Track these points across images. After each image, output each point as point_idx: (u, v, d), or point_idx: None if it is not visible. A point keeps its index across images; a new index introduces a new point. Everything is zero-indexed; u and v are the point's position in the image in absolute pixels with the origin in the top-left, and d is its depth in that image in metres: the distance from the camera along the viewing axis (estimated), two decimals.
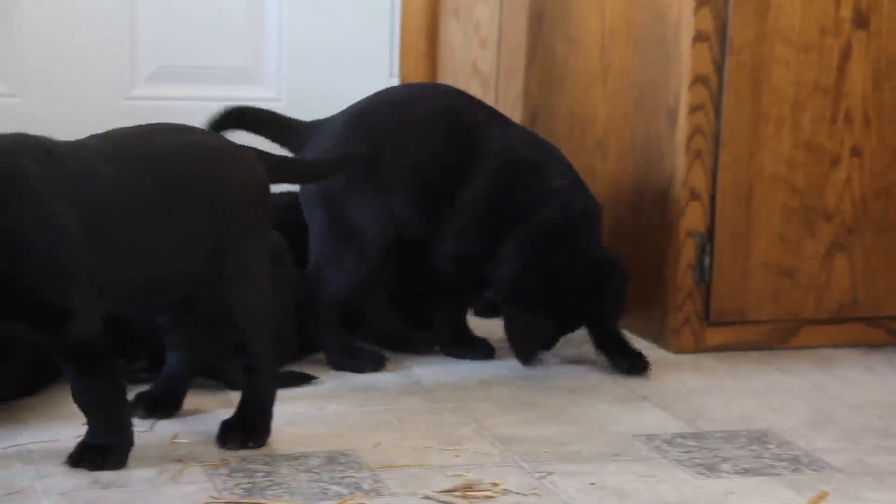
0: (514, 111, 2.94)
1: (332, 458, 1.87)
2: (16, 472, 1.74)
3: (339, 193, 2.27)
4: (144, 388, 2.03)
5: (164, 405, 2.00)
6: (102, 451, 1.77)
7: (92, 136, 1.82)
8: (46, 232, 1.66)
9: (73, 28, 2.70)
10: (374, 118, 2.30)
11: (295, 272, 2.27)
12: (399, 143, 2.28)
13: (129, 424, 1.80)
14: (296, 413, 2.05)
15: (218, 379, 2.13)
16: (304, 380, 2.21)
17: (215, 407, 2.04)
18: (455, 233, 2.30)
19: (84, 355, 1.72)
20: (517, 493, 1.78)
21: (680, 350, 2.48)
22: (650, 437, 2.01)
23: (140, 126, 1.88)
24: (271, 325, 1.90)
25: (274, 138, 2.33)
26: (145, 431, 1.94)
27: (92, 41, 2.72)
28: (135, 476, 1.77)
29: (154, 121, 2.70)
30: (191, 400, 2.03)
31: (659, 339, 2.51)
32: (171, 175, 1.80)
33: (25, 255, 1.64)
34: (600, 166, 2.68)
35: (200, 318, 1.95)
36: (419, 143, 2.29)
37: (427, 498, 1.75)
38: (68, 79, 2.71)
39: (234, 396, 1.97)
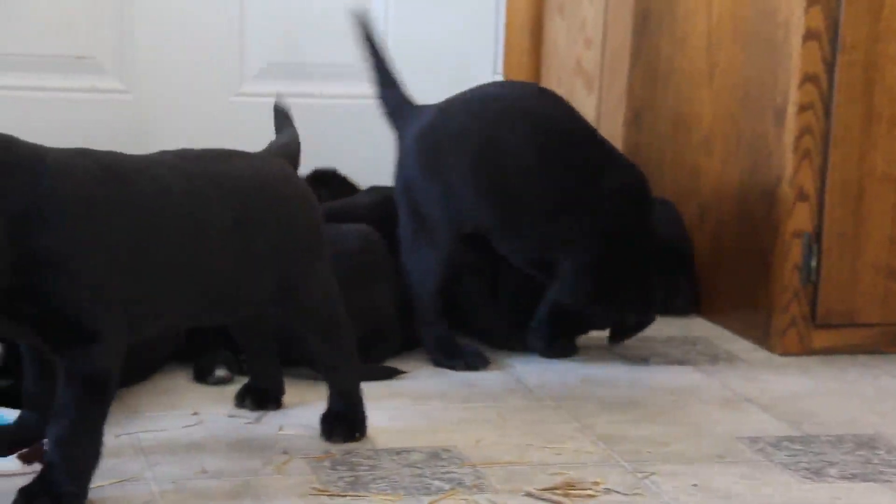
0: (617, 110, 2.92)
1: (434, 454, 1.88)
2: (127, 459, 1.78)
3: (411, 182, 2.28)
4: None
5: (272, 396, 2.02)
6: (57, 497, 1.59)
7: (165, 152, 1.79)
8: (85, 251, 1.60)
9: (184, 25, 2.75)
10: (450, 107, 2.31)
11: (391, 264, 2.29)
12: (462, 136, 2.26)
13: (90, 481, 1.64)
14: (398, 408, 2.06)
15: (307, 366, 2.15)
16: (392, 374, 2.22)
17: (320, 399, 2.06)
18: (565, 288, 2.31)
19: (95, 386, 1.61)
20: (618, 493, 1.77)
21: (785, 352, 2.45)
22: (754, 440, 1.99)
23: (209, 149, 1.86)
24: (346, 322, 1.91)
25: (387, 112, 2.34)
26: (251, 423, 1.97)
27: (202, 38, 2.76)
28: (240, 466, 1.80)
29: (260, 117, 2.75)
30: (295, 392, 2.06)
31: (763, 340, 2.48)
32: (245, 199, 1.78)
33: (58, 271, 1.58)
34: (705, 165, 2.66)
35: (271, 327, 1.99)
36: (487, 139, 2.26)
37: (528, 495, 1.75)
38: (179, 75, 2.76)
39: None
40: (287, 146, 1.97)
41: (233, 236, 1.76)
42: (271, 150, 1.94)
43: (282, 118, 2.04)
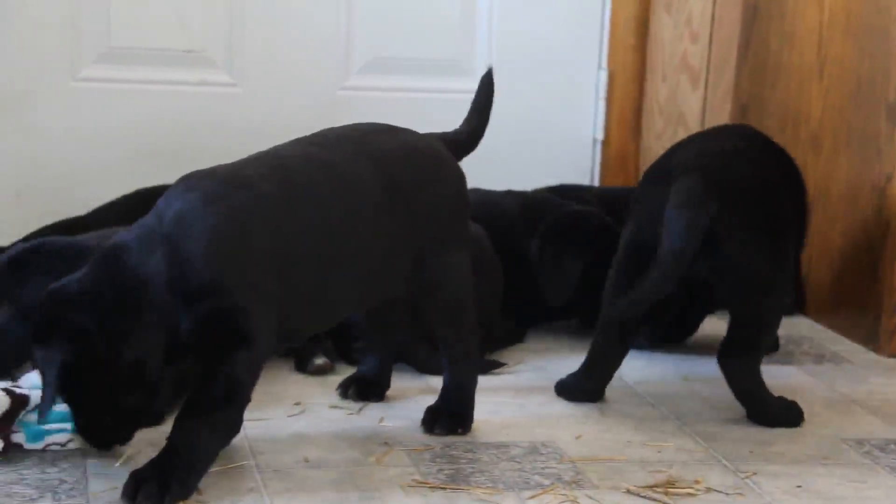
0: (723, 106, 2.89)
1: (533, 449, 1.88)
2: (232, 448, 1.80)
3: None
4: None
5: (375, 389, 2.04)
6: (166, 484, 1.62)
7: (312, 144, 1.81)
8: (247, 257, 1.65)
9: (291, 19, 2.78)
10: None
11: (497, 260, 2.29)
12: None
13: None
14: (498, 402, 2.07)
15: (411, 364, 2.17)
16: (493, 367, 2.22)
17: (418, 393, 2.08)
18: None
19: (232, 392, 1.66)
20: (720, 492, 1.75)
21: (893, 353, 2.40)
22: (860, 442, 1.95)
23: (354, 126, 1.88)
24: (473, 316, 1.92)
25: None
26: (352, 414, 1.99)
27: (309, 32, 2.79)
28: (342, 457, 1.82)
29: (366, 110, 2.77)
30: (394, 385, 2.08)
31: (871, 341, 2.44)
32: (395, 179, 1.80)
33: (233, 279, 1.64)
34: (813, 162, 2.62)
35: (398, 315, 1.99)
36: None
37: (628, 492, 1.74)
38: (286, 69, 2.79)
39: (436, 382, 2.00)
40: (452, 132, 1.97)
41: (383, 213, 1.78)
42: (432, 134, 1.94)
43: (479, 101, 2.01)
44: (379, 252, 1.78)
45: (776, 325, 2.05)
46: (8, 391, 1.76)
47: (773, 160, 2.10)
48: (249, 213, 1.66)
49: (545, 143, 2.96)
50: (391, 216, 1.79)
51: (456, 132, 1.98)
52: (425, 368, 2.16)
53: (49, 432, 1.78)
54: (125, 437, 1.72)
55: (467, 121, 2.00)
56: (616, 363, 2.09)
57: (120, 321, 1.63)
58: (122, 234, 1.68)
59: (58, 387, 1.63)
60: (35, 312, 1.68)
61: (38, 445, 1.77)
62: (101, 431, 1.70)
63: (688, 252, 1.91)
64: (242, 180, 1.69)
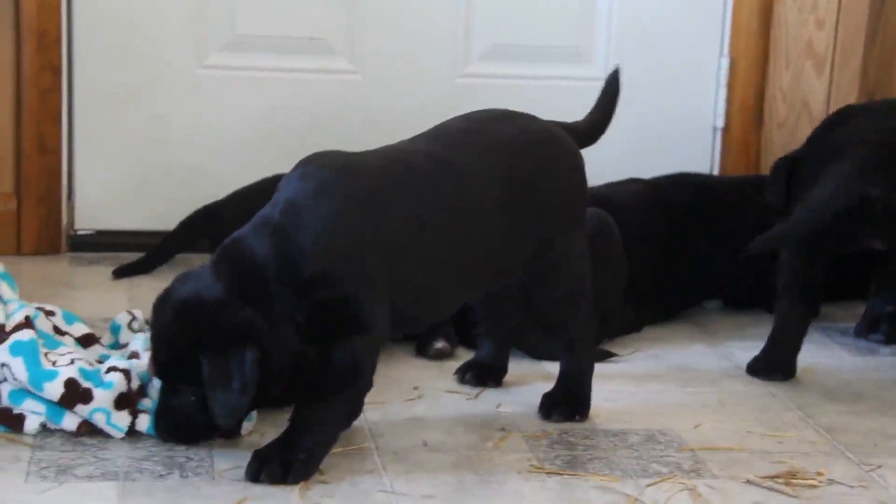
0: (849, 93, 2.83)
1: (651, 437, 1.87)
2: (353, 431, 1.83)
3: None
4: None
5: (493, 374, 2.05)
6: (288, 463, 1.66)
7: (430, 138, 1.81)
8: (357, 247, 1.66)
9: (411, 6, 2.80)
10: None
11: (622, 249, 2.28)
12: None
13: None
14: (615, 390, 2.06)
15: (524, 350, 2.17)
16: (606, 356, 2.21)
17: (536, 379, 2.09)
18: None
19: (352, 375, 1.68)
20: (843, 484, 1.73)
21: None
22: None
23: (470, 117, 1.87)
24: (591, 302, 1.92)
25: None
26: (470, 399, 2.00)
27: (428, 19, 2.81)
28: (460, 441, 1.83)
29: (485, 98, 2.78)
30: (512, 371, 2.08)
31: None
32: (514, 167, 1.80)
33: (335, 264, 1.65)
34: None
35: (513, 300, 1.99)
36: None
37: (749, 483, 1.73)
38: (405, 56, 2.81)
39: (553, 368, 2.00)
40: (573, 122, 1.96)
41: (501, 203, 1.78)
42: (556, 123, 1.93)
43: (604, 97, 1.99)
44: (497, 240, 1.79)
45: None
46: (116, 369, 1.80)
47: None
48: (359, 202, 1.67)
49: (665, 130, 2.93)
50: (510, 205, 1.79)
51: (577, 122, 1.97)
52: (538, 354, 2.16)
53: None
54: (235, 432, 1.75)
55: (591, 113, 1.99)
56: (800, 335, 2.13)
57: (267, 315, 1.64)
58: (241, 229, 1.69)
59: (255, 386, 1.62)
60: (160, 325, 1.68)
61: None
62: (202, 426, 1.71)
63: (835, 202, 1.95)
64: (355, 170, 1.70)
